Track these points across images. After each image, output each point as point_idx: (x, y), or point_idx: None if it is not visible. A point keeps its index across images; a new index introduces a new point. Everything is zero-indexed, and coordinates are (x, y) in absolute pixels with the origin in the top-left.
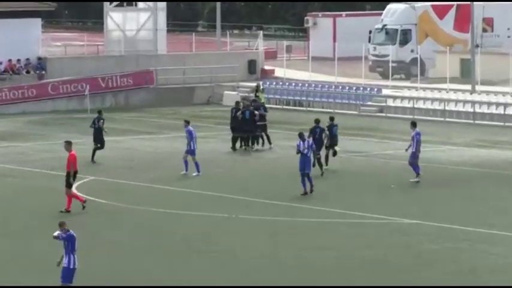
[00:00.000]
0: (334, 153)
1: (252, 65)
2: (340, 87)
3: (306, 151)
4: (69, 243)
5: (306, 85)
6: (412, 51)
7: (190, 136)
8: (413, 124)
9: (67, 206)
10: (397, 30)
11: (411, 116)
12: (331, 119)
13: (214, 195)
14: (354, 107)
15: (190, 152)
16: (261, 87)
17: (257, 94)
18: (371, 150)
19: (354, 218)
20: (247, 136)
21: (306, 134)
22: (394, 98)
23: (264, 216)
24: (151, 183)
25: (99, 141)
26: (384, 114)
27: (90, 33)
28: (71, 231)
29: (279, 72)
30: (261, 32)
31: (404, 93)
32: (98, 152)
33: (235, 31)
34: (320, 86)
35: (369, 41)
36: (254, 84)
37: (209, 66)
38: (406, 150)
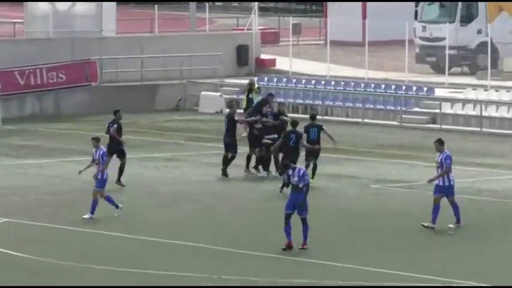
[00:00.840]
0: (314, 167)
1: (242, 53)
2: (373, 85)
3: (296, 180)
4: None
5: (323, 83)
6: (479, 32)
7: (104, 160)
8: (441, 142)
9: None
10: (457, 1)
11: (478, 129)
12: (312, 117)
13: (183, 245)
14: (393, 116)
15: (99, 183)
16: (256, 85)
17: (250, 96)
18: (417, 178)
19: (397, 279)
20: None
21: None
22: (453, 101)
23: (260, 276)
24: (90, 227)
25: (117, 153)
26: (437, 126)
27: (3, 5)
28: None
29: (283, 63)
30: (256, 5)
31: (467, 95)
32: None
33: (218, 3)
34: (343, 83)
35: (416, 18)
36: (246, 81)
37: (179, 55)
38: (431, 180)
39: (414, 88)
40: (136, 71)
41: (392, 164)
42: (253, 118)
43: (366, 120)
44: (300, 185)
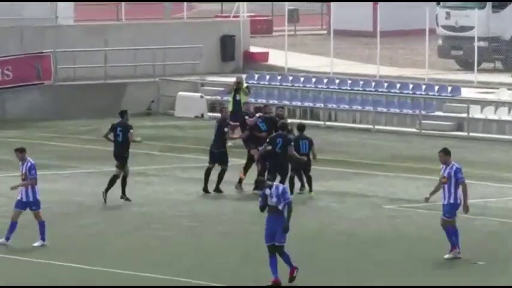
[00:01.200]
0: (309, 179)
1: (228, 45)
2: (386, 84)
3: (274, 201)
4: None
5: (325, 81)
6: None
7: (34, 175)
8: (447, 153)
9: None
10: None
11: None
12: (300, 128)
13: (156, 278)
14: (410, 121)
15: (36, 204)
16: (245, 85)
17: (237, 97)
18: (439, 197)
19: None
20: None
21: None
22: (483, 104)
23: None
24: (42, 257)
25: (123, 162)
26: (464, 134)
27: None
28: None
29: (277, 57)
30: None
31: (500, 96)
32: None
33: None
34: (349, 82)
35: (438, 3)
36: (233, 79)
37: (151, 48)
38: (427, 199)
39: (436, 88)
40: (99, 66)
41: (409, 180)
42: (245, 133)
43: (377, 127)
44: (280, 207)
